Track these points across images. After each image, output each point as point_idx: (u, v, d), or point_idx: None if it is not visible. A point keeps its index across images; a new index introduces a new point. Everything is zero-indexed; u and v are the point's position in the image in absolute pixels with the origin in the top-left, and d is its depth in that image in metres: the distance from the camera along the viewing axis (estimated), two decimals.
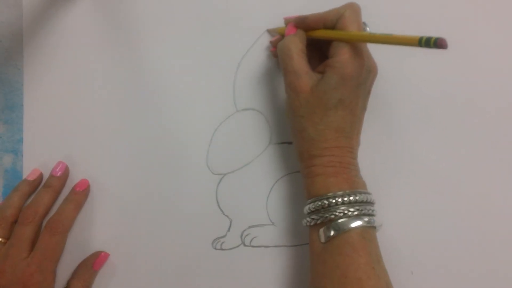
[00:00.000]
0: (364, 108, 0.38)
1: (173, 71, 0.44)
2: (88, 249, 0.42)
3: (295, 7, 0.44)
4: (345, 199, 0.34)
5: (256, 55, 0.44)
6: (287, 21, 0.41)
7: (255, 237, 0.42)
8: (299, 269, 0.42)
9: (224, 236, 0.42)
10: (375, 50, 0.37)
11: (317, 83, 0.35)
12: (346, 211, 0.34)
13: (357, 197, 0.34)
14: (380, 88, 0.40)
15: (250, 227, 0.43)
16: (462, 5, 0.44)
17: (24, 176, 0.42)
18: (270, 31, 0.44)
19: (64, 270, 0.41)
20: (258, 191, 0.43)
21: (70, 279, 0.40)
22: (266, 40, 0.44)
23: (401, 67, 0.44)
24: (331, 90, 0.35)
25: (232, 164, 0.43)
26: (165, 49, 0.44)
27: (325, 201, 0.34)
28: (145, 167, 0.43)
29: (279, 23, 0.43)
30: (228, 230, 0.42)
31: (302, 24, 0.38)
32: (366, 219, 0.34)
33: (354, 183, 0.35)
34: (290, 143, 0.43)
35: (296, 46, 0.37)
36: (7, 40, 0.43)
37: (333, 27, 0.36)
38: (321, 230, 0.34)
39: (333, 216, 0.34)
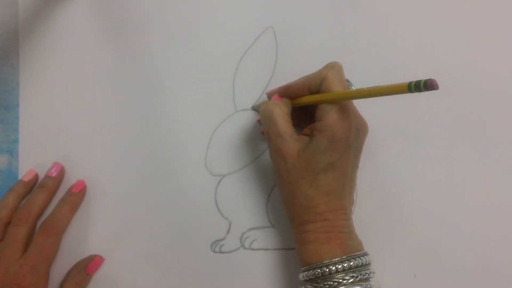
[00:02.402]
0: (356, 166, 0.37)
1: (171, 71, 0.43)
2: (83, 251, 0.41)
3: (295, 6, 0.43)
4: (339, 266, 0.33)
5: (256, 55, 0.43)
6: (270, 95, 0.40)
7: (255, 240, 0.42)
8: (299, 272, 0.41)
9: (223, 239, 0.42)
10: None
11: (305, 147, 0.35)
12: (341, 280, 0.33)
13: (351, 263, 0.33)
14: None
15: (249, 229, 0.42)
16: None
17: (19, 177, 0.42)
18: (254, 108, 0.43)
19: (58, 272, 0.41)
20: (258, 193, 0.42)
21: (63, 282, 0.40)
22: (265, 39, 0.43)
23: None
24: (320, 154, 0.34)
25: (232, 165, 0.43)
26: (164, 48, 0.43)
27: (319, 270, 0.33)
28: (142, 168, 0.42)
29: (279, 22, 0.43)
30: (228, 232, 0.42)
31: (286, 93, 0.38)
32: (363, 284, 0.33)
33: (348, 247, 0.34)
34: None
35: (280, 109, 0.36)
36: (2, 38, 0.43)
37: (317, 90, 0.36)
38: None
39: (327, 286, 0.33)
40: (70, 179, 0.42)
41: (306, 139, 0.35)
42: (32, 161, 0.42)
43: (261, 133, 0.42)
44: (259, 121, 0.42)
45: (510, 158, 0.43)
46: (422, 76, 0.43)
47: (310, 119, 0.37)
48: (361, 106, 0.37)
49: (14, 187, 0.41)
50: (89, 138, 0.43)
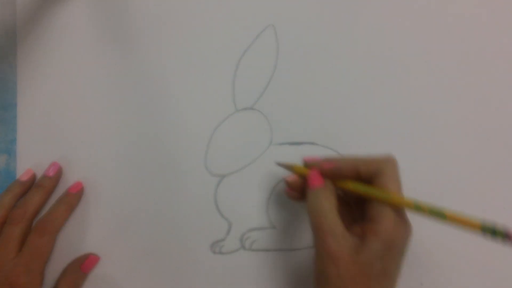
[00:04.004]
0: (400, 272, 0.34)
1: (171, 70, 0.43)
2: (80, 251, 0.41)
3: (296, 4, 0.43)
4: None
5: (256, 54, 0.43)
6: (309, 164, 0.36)
7: (255, 241, 0.41)
8: (301, 273, 0.41)
9: (223, 240, 0.41)
10: None
11: (359, 251, 0.32)
12: None
13: None
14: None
15: (250, 230, 0.42)
16: None
17: (17, 177, 0.42)
18: (281, 165, 0.40)
19: (54, 272, 0.40)
20: (258, 193, 0.42)
21: (58, 280, 0.40)
22: (266, 38, 0.43)
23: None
24: (376, 261, 0.31)
25: (232, 165, 0.42)
26: (163, 47, 0.43)
27: None
28: (141, 169, 0.42)
29: (280, 20, 0.43)
30: (228, 233, 0.42)
31: (332, 175, 0.35)
32: None
33: None
34: (291, 144, 0.42)
35: (330, 203, 0.33)
36: (0, 37, 0.43)
37: (367, 179, 0.34)
38: None
39: None
40: (68, 179, 0.42)
41: (357, 240, 0.32)
42: (30, 161, 0.42)
43: (286, 192, 0.39)
44: (287, 182, 0.38)
45: None
46: (426, 78, 0.43)
47: (347, 205, 0.36)
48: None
49: (10, 187, 0.41)
50: (87, 138, 0.42)
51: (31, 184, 0.41)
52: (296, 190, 0.37)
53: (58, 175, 0.41)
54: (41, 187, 0.40)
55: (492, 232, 0.26)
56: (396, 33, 0.43)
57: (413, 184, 0.42)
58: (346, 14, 0.44)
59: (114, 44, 0.43)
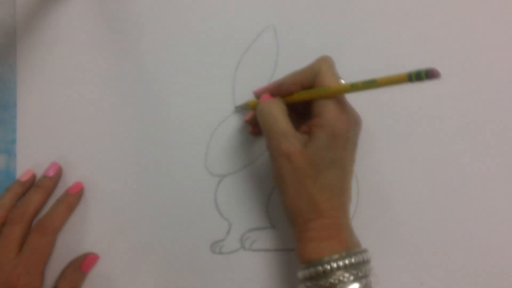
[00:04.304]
0: (353, 161, 0.36)
1: (170, 70, 0.43)
2: (80, 251, 0.41)
3: (297, 4, 0.43)
4: (340, 263, 0.32)
5: (256, 54, 0.43)
6: (259, 94, 0.39)
7: (255, 241, 0.41)
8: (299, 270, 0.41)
9: (223, 240, 0.41)
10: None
11: (307, 145, 0.34)
12: (341, 277, 0.32)
13: (352, 260, 0.32)
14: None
15: (250, 230, 0.42)
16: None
17: (17, 177, 0.41)
18: (239, 108, 0.42)
19: (54, 272, 0.40)
20: (258, 193, 0.42)
21: (58, 280, 0.40)
22: (266, 38, 0.43)
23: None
24: (323, 151, 0.34)
25: (232, 166, 0.42)
26: (162, 48, 0.43)
27: (320, 267, 0.32)
28: (141, 169, 0.42)
29: (280, 20, 0.43)
30: (228, 233, 0.42)
31: (278, 91, 0.37)
32: (363, 281, 0.32)
33: (349, 244, 0.34)
34: None
35: (279, 107, 0.36)
36: (0, 37, 0.43)
37: (310, 85, 0.35)
38: None
39: (328, 284, 0.32)
40: (68, 180, 0.42)
41: (305, 136, 0.35)
42: (30, 161, 0.42)
43: (250, 133, 0.42)
44: (247, 121, 0.41)
45: None
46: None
47: (299, 116, 0.37)
48: (359, 102, 0.37)
49: (11, 187, 0.40)
50: (87, 138, 0.42)
51: (31, 184, 0.41)
52: (256, 125, 0.39)
53: (58, 175, 0.41)
54: (40, 187, 0.40)
55: (417, 76, 0.28)
56: (396, 33, 0.43)
57: None
58: (346, 14, 0.44)
59: (114, 44, 0.43)
